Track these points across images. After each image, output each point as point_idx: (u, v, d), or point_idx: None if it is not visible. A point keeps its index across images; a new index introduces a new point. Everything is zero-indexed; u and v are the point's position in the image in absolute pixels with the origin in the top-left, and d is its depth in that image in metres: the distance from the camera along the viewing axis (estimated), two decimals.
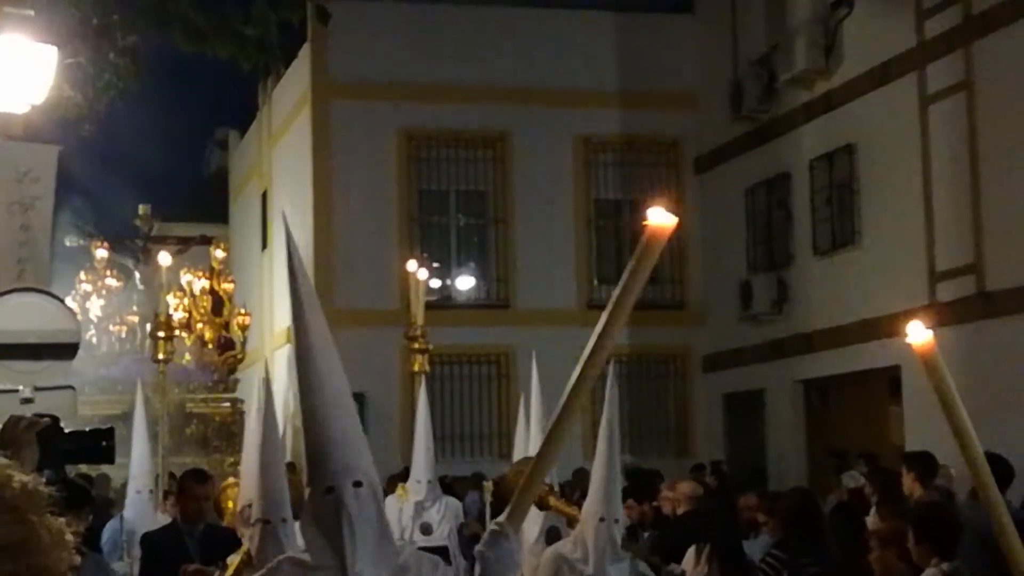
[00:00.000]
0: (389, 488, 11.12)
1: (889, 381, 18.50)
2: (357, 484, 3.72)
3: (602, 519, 6.49)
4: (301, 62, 23.30)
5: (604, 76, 23.31)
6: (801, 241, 20.54)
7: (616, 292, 3.44)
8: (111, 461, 4.16)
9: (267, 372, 6.59)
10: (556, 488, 7.27)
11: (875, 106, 18.59)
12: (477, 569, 3.55)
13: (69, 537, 2.35)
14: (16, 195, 12.00)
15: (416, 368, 14.17)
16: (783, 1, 20.66)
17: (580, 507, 7.06)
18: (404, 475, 12.34)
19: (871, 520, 9.53)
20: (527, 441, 8.16)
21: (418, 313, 14.27)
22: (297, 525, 6.19)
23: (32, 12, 9.09)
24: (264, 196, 28.01)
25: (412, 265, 14.55)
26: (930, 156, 17.52)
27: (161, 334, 13.02)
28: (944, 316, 17.09)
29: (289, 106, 25.00)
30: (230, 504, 8.33)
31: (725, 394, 22.26)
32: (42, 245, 11.24)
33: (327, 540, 3.68)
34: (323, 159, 22.52)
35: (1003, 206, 16.20)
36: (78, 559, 2.34)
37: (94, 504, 8.04)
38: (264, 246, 27.06)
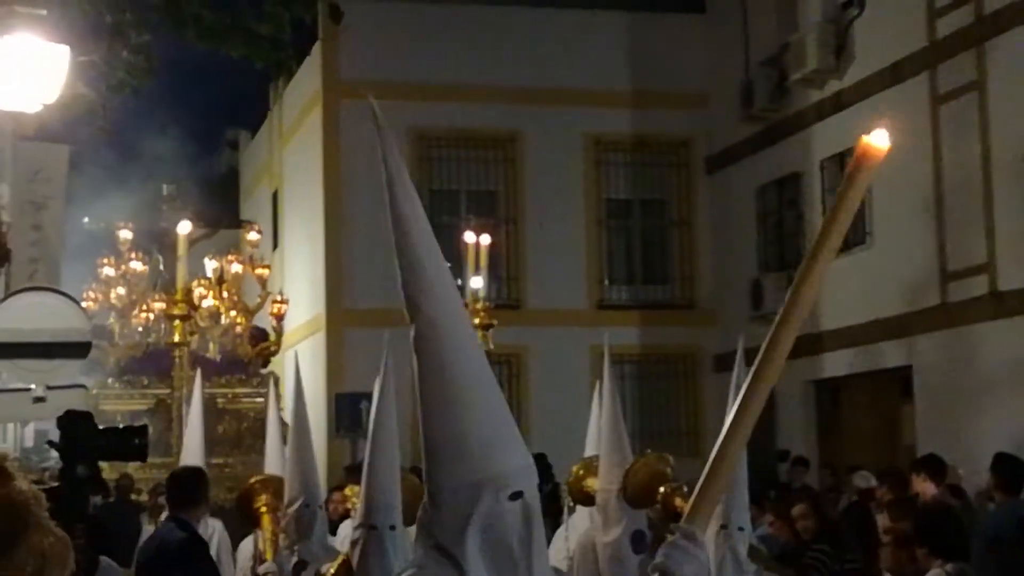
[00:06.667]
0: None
1: (900, 381, 18.48)
2: (536, 490, 2.98)
3: (723, 526, 5.63)
4: (312, 61, 23.32)
5: (615, 76, 23.30)
6: (812, 241, 20.48)
7: (817, 235, 2.98)
8: (143, 459, 4.15)
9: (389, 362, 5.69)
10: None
11: (886, 106, 18.55)
12: None
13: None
14: (28, 194, 12.05)
15: None
16: (794, 1, 20.64)
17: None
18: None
19: (882, 519, 9.54)
20: (598, 435, 7.82)
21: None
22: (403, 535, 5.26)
23: (44, 11, 9.11)
24: (275, 196, 28.05)
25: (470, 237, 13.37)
26: (941, 156, 17.49)
27: (177, 312, 11.41)
28: (956, 316, 17.08)
29: (300, 106, 25.03)
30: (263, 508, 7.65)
31: None
32: (54, 244, 11.30)
33: (499, 557, 2.89)
34: (334, 159, 22.54)
35: (1014, 206, 16.16)
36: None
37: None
38: (275, 246, 27.09)
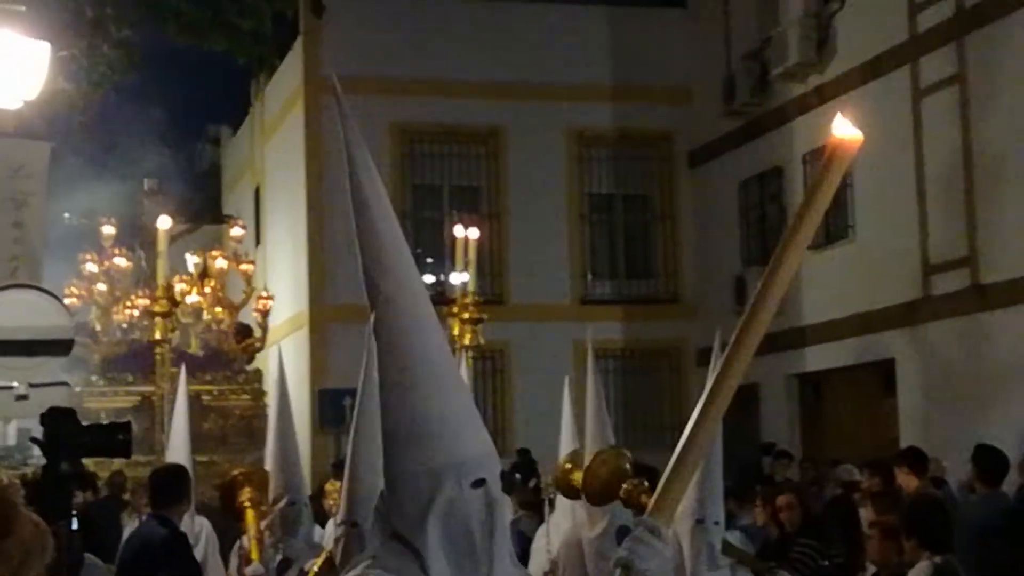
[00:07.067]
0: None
1: (883, 374, 18.52)
2: (498, 477, 2.88)
3: (699, 520, 5.57)
4: (294, 57, 23.27)
5: (597, 70, 23.29)
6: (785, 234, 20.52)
7: (789, 228, 2.86)
8: (127, 455, 4.15)
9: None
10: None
11: (868, 100, 18.59)
12: None
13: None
14: (9, 191, 11.97)
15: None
16: None
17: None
18: None
19: (865, 512, 9.57)
20: (572, 430, 7.73)
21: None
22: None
23: (23, 8, 9.07)
24: (257, 192, 27.98)
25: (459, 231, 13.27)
26: (923, 149, 17.52)
27: (158, 310, 11.05)
28: (939, 309, 17.13)
29: (282, 101, 24.97)
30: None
31: None
32: (36, 241, 11.22)
33: (461, 546, 2.79)
34: (316, 154, 22.49)
35: (996, 198, 16.21)
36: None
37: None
38: (258, 242, 27.03)
